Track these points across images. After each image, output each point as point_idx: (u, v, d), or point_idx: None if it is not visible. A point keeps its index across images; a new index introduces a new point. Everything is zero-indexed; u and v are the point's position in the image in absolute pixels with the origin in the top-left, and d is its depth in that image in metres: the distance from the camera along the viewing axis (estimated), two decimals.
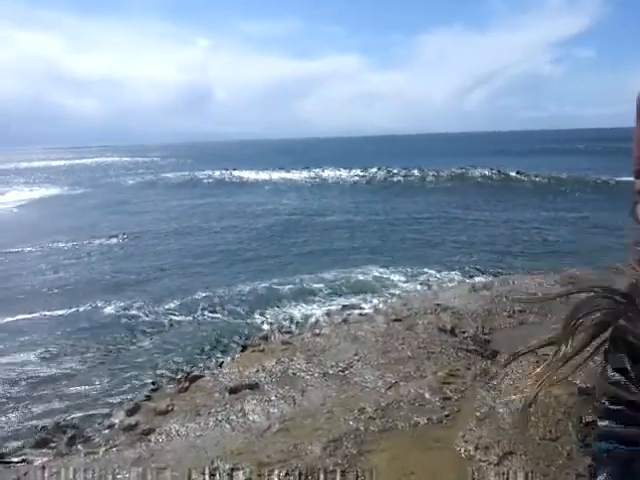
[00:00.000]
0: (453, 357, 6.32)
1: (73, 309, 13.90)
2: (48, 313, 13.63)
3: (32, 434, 6.80)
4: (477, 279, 13.78)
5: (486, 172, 38.87)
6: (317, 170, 49.65)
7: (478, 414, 4.92)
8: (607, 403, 1.37)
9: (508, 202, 29.25)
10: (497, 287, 9.93)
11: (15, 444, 6.72)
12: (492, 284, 10.25)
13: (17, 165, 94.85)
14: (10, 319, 13.13)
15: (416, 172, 42.16)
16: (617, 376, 1.35)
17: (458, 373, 5.85)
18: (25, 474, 5.06)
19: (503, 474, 4.05)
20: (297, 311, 13.25)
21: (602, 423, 1.37)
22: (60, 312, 13.70)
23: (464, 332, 7.32)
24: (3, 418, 8.37)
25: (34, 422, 7.76)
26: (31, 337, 11.98)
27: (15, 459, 5.84)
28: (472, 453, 4.36)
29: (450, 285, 14.09)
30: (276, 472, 4.22)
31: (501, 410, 4.90)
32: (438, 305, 8.61)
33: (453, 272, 15.99)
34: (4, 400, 9.04)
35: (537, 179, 35.41)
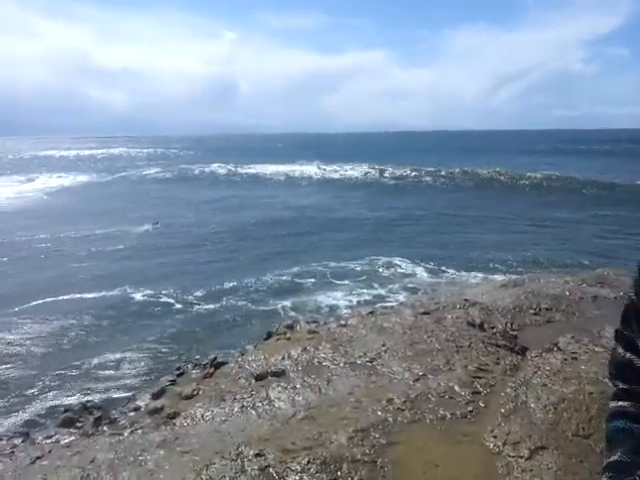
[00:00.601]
0: (482, 351, 6.21)
1: (103, 293, 14.21)
2: (78, 296, 13.94)
3: (58, 413, 6.86)
4: (505, 276, 13.57)
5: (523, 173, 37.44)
6: (335, 166, 48.81)
7: (507, 409, 4.83)
8: (620, 384, 1.34)
9: (531, 202, 28.82)
10: (526, 284, 9.77)
11: (42, 422, 6.82)
12: (522, 281, 10.08)
13: (45, 153, 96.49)
14: (41, 301, 13.44)
15: (442, 172, 41.17)
16: (629, 354, 1.32)
17: (487, 367, 5.74)
18: (50, 452, 5.12)
19: (532, 469, 3.96)
20: (323, 299, 13.42)
21: (614, 403, 1.33)
22: (91, 295, 14.02)
23: (493, 327, 7.21)
24: (30, 397, 8.52)
25: (60, 402, 7.88)
26: (61, 319, 12.24)
27: (40, 437, 5.91)
28: (501, 448, 4.27)
29: (475, 281, 13.98)
30: (300, 459, 4.19)
31: (532, 405, 4.79)
32: (466, 300, 8.49)
33: (477, 269, 15.88)
34: (32, 379, 9.20)
35: (566, 182, 34.53)
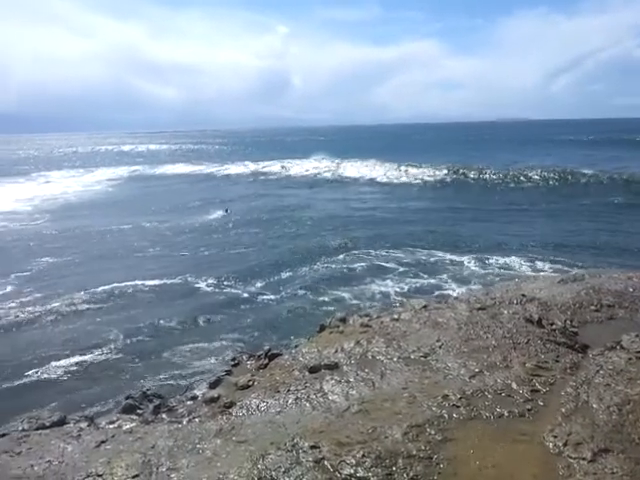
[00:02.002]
0: (541, 348, 6.06)
1: (166, 281, 14.92)
2: (140, 282, 14.68)
3: (120, 400, 7.12)
4: (564, 272, 13.19)
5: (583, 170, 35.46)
6: (389, 165, 45.69)
7: (568, 408, 4.70)
8: None
9: (589, 199, 27.81)
10: (586, 280, 9.46)
11: (105, 408, 7.10)
12: (582, 277, 9.77)
13: (103, 147, 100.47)
14: (106, 287, 14.21)
15: (491, 172, 39.28)
16: None
17: (546, 365, 5.60)
18: (113, 436, 5.32)
19: (596, 473, 3.83)
20: (374, 287, 13.74)
21: None
22: (154, 282, 14.76)
23: (552, 324, 7.01)
24: (94, 383, 8.89)
25: (122, 389, 8.20)
26: (124, 305, 12.87)
27: (104, 422, 6.14)
28: (561, 448, 4.16)
29: (533, 275, 13.67)
30: (354, 453, 4.20)
31: (594, 405, 4.65)
32: (523, 296, 8.29)
33: (537, 262, 15.55)
34: (95, 366, 9.61)
35: (624, 177, 32.86)
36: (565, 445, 4.18)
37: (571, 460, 4.02)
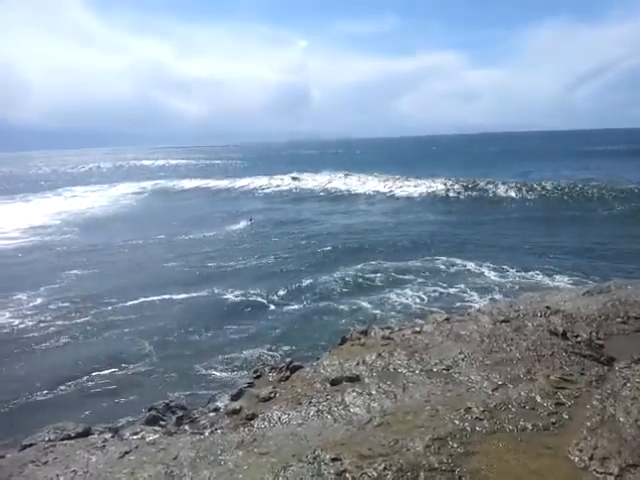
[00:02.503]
0: (565, 361, 5.96)
1: (193, 294, 15.36)
2: (168, 297, 15.07)
3: (144, 412, 7.19)
4: (589, 284, 13.00)
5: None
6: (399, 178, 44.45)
7: (594, 422, 4.61)
8: None
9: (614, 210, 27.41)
10: (612, 292, 9.29)
11: (129, 419, 7.17)
12: (607, 288, 9.60)
13: (127, 163, 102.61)
14: (135, 301, 14.65)
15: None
16: None
17: (571, 378, 5.50)
18: (136, 447, 5.37)
19: None
20: (392, 296, 13.97)
21: None
22: (182, 296, 15.15)
23: (577, 336, 6.89)
24: (119, 395, 9.02)
25: (146, 401, 8.28)
26: (150, 318, 13.13)
27: (128, 433, 6.19)
28: (587, 463, 4.08)
29: (557, 286, 13.53)
30: (376, 465, 4.17)
31: (621, 419, 4.55)
32: (548, 308, 8.18)
33: (557, 274, 15.44)
34: (121, 378, 9.75)
35: None
36: (591, 459, 4.11)
37: (597, 475, 3.94)
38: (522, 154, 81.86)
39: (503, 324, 7.30)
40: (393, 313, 12.56)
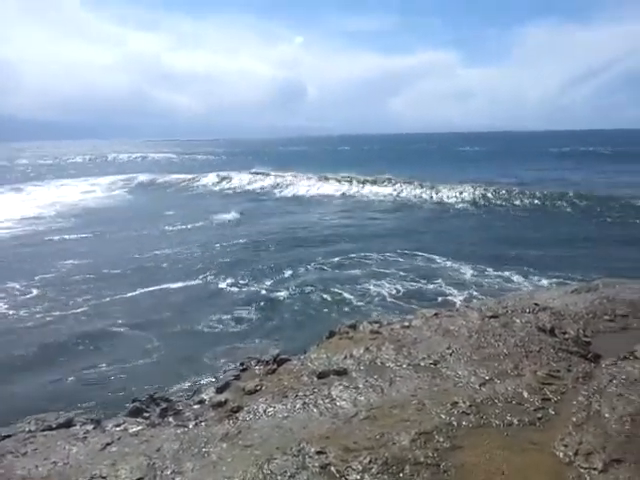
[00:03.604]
0: (553, 357, 5.96)
1: (187, 283, 15.66)
2: (165, 286, 15.30)
3: (127, 403, 7.11)
4: (577, 282, 13.06)
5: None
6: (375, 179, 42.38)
7: (580, 417, 4.60)
8: None
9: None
10: (600, 290, 9.32)
11: (111, 411, 7.08)
12: (596, 287, 9.63)
13: (121, 155, 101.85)
14: (132, 293, 14.74)
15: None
16: None
17: (558, 374, 5.50)
18: (119, 439, 5.30)
19: None
20: (370, 287, 14.39)
21: None
22: (176, 285, 15.39)
23: (564, 333, 6.91)
24: (100, 386, 8.95)
25: (129, 392, 8.24)
26: (145, 310, 13.18)
27: (110, 424, 6.10)
28: (572, 458, 4.07)
29: (546, 285, 13.63)
30: (361, 459, 4.14)
31: (606, 415, 4.55)
32: (536, 305, 8.18)
33: (546, 274, 15.55)
34: (102, 369, 9.70)
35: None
36: (576, 454, 4.09)
37: (582, 470, 3.93)
38: (502, 154, 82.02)
39: (492, 320, 7.29)
40: (379, 307, 12.59)
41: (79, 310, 13.19)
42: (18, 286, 15.35)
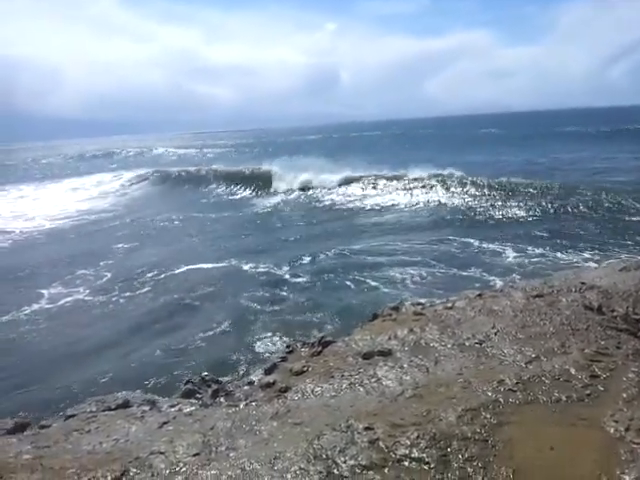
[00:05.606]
0: (601, 335, 5.90)
1: (216, 264, 16.53)
2: (204, 266, 16.39)
3: (181, 385, 7.38)
4: (625, 259, 12.75)
5: None
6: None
7: (630, 394, 4.56)
8: None
9: None
10: None
11: (166, 393, 7.37)
12: None
13: (157, 150, 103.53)
14: (170, 273, 15.80)
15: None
16: None
17: (607, 351, 5.44)
18: (174, 418, 5.53)
19: None
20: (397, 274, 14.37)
21: None
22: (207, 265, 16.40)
23: (613, 311, 6.80)
24: (156, 369, 9.28)
25: (182, 375, 8.53)
26: (178, 289, 13.82)
27: (165, 405, 6.38)
28: (623, 433, 4.05)
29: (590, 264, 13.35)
30: (409, 434, 4.22)
31: None
32: (583, 283, 8.05)
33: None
34: (157, 353, 10.04)
35: None
36: (627, 430, 4.07)
37: (634, 445, 3.91)
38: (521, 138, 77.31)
39: (537, 299, 7.24)
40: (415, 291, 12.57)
41: (144, 290, 14.37)
42: (89, 272, 16.64)
